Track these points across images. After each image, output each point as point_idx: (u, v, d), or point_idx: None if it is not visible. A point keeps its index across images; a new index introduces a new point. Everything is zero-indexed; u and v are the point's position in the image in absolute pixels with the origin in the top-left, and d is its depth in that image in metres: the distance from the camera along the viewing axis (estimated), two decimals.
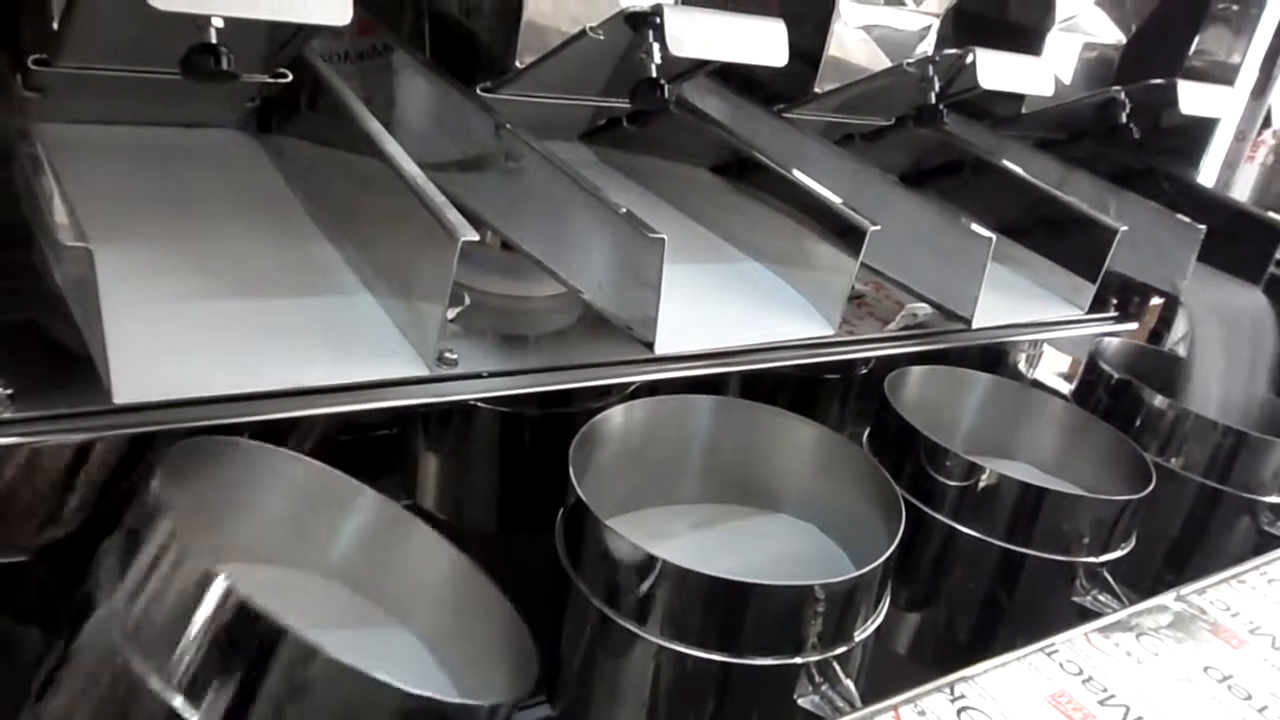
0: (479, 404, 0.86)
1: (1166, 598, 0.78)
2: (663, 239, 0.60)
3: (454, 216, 0.55)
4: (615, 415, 0.78)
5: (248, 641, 0.51)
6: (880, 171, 0.87)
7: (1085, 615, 0.81)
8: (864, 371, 1.12)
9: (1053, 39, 1.07)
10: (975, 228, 0.81)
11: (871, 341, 0.86)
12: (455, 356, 0.62)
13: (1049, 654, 0.69)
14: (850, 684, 0.66)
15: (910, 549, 0.83)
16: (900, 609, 0.89)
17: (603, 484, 0.72)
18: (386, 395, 0.59)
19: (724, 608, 0.64)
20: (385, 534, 0.69)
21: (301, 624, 0.51)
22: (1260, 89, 1.28)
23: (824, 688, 0.66)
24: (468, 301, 0.68)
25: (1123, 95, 1.01)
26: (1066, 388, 1.25)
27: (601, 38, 0.68)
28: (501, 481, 0.93)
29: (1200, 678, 0.70)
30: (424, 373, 0.60)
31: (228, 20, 0.50)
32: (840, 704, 0.65)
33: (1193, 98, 0.98)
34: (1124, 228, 0.91)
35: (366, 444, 0.94)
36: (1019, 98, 1.03)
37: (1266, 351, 1.07)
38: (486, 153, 0.70)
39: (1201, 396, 1.06)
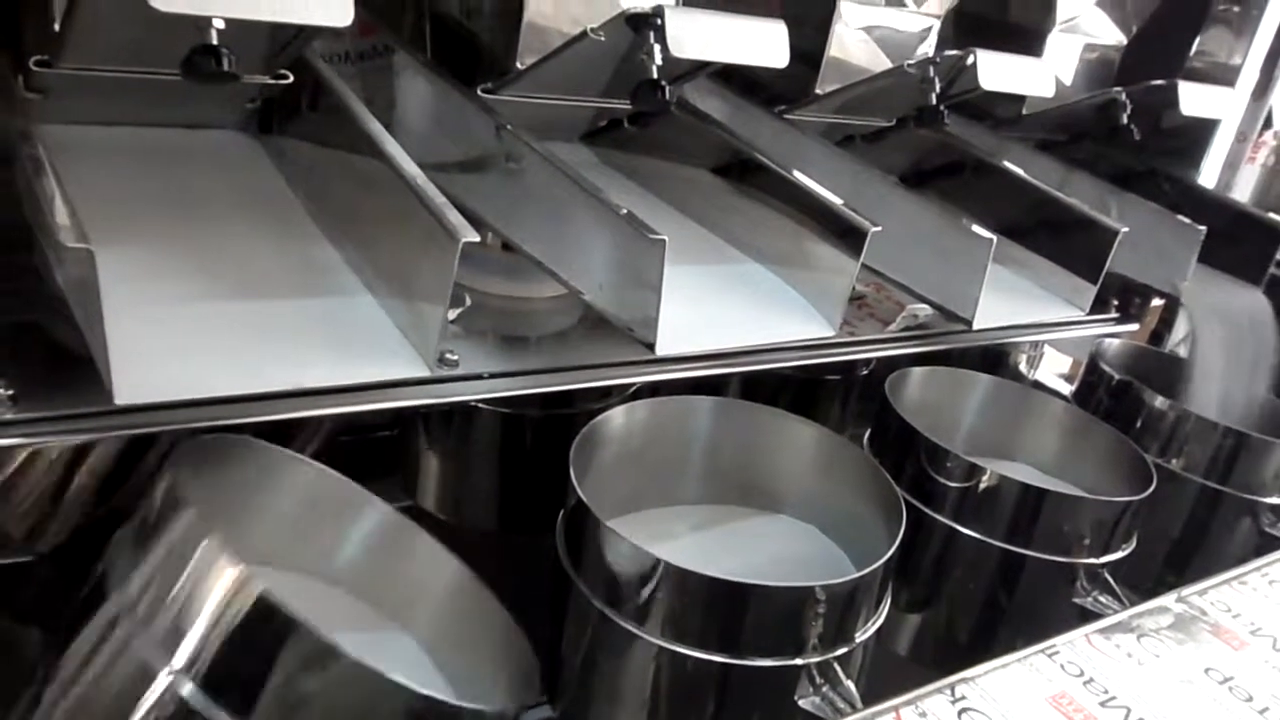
0: (480, 405, 0.86)
1: (1167, 599, 0.78)
2: (664, 240, 0.60)
3: (455, 217, 0.55)
4: (616, 416, 0.78)
5: (264, 636, 0.51)
6: (881, 173, 0.87)
7: (1086, 616, 0.81)
8: (865, 372, 1.12)
9: (1053, 40, 1.07)
10: (976, 229, 0.81)
11: (872, 342, 0.86)
12: (456, 357, 0.62)
13: (1050, 655, 0.69)
14: (851, 685, 0.66)
15: (911, 550, 0.83)
16: (901, 610, 0.89)
17: (603, 485, 0.72)
18: (387, 396, 0.59)
19: (725, 609, 0.64)
20: (390, 543, 0.69)
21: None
22: (1261, 90, 1.28)
23: (825, 689, 0.66)
24: (469, 302, 0.68)
25: (1123, 96, 1.01)
26: (1067, 389, 1.25)
27: (602, 39, 0.68)
28: (502, 482, 0.93)
29: (1201, 679, 0.70)
30: (425, 374, 0.60)
31: (229, 21, 0.50)
32: (841, 705, 0.65)
33: (1193, 99, 0.98)
34: (1125, 229, 0.91)
35: (367, 445, 0.94)
36: (1020, 99, 1.03)
37: (1267, 352, 1.07)
38: (487, 154, 0.70)
39: (1202, 397, 1.06)
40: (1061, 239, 0.95)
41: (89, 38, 0.58)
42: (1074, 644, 0.71)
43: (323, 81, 0.67)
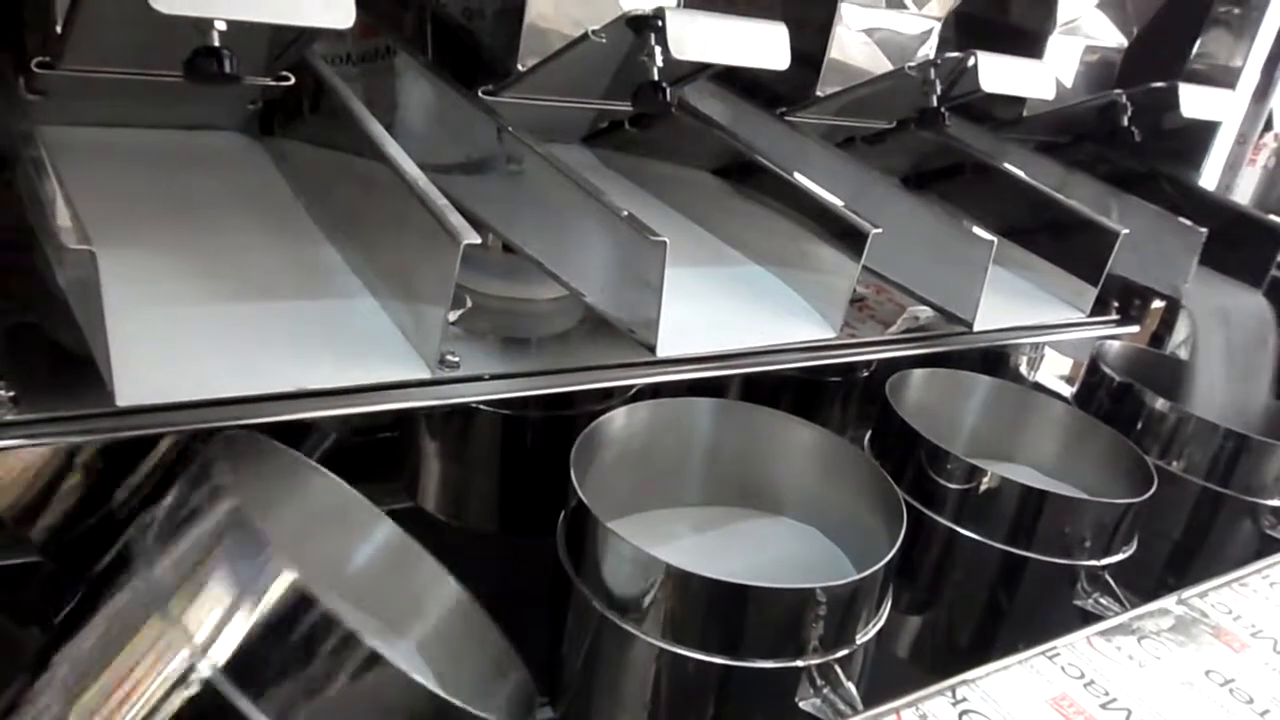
0: (481, 406, 0.86)
1: (1168, 601, 0.78)
2: (664, 242, 0.60)
3: (456, 219, 0.56)
4: (617, 418, 0.78)
5: (295, 626, 0.51)
6: (882, 174, 0.87)
7: (1087, 618, 0.81)
8: (865, 374, 1.12)
9: (1054, 42, 1.07)
10: (977, 231, 0.81)
11: (873, 344, 0.87)
12: (457, 359, 0.62)
13: (1050, 657, 0.69)
14: (852, 687, 0.66)
15: (912, 552, 0.83)
16: (902, 612, 0.88)
17: (604, 486, 0.72)
18: (388, 398, 0.59)
19: (725, 610, 0.64)
20: (394, 562, 0.69)
21: None
22: (1261, 92, 1.28)
23: (825, 691, 0.66)
24: (469, 304, 0.68)
25: (1124, 98, 1.01)
26: (1068, 390, 1.25)
27: (603, 41, 0.68)
28: (503, 484, 0.93)
29: (1202, 681, 0.70)
30: (426, 375, 0.60)
31: (230, 23, 0.50)
32: (842, 707, 0.65)
33: (1194, 101, 0.98)
34: (1125, 231, 0.91)
35: (368, 446, 0.94)
36: (1020, 101, 1.03)
37: (1268, 354, 1.07)
38: (488, 156, 0.70)
39: (1203, 399, 1.06)
40: (1062, 241, 0.95)
41: (90, 39, 0.58)
42: (1075, 646, 0.71)
43: (324, 83, 0.67)
